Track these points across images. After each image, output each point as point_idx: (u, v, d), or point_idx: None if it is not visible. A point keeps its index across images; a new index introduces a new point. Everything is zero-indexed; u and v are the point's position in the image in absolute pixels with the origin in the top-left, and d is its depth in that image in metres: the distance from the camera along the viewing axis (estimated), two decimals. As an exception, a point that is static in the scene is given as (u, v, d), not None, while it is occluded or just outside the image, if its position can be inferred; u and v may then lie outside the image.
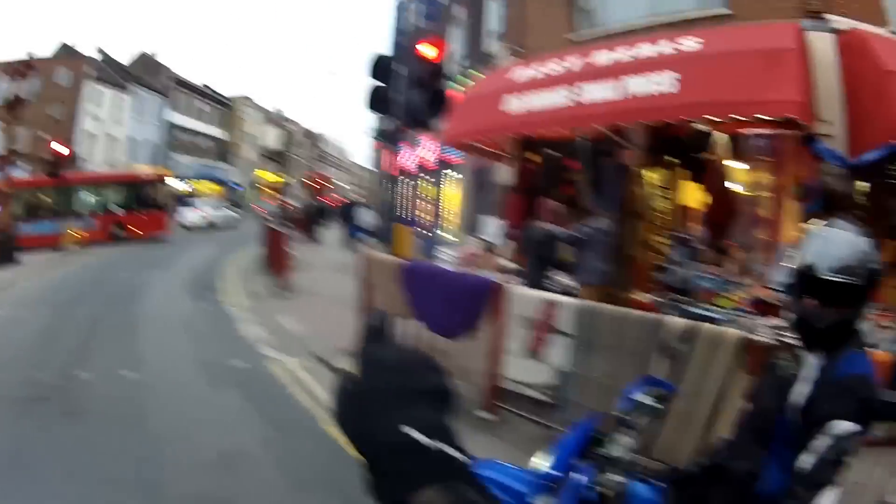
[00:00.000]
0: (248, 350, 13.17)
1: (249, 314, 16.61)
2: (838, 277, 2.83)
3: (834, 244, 2.94)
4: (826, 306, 2.91)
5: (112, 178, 46.23)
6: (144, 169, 50.97)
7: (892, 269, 11.37)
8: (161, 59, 79.97)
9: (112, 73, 67.00)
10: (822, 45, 9.92)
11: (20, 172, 41.87)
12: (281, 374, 11.44)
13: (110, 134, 65.79)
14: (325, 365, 11.55)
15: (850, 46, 9.93)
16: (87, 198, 41.36)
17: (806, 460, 2.75)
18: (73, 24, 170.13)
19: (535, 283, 10.62)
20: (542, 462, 3.48)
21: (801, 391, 2.96)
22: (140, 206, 41.47)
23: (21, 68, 33.07)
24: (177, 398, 10.48)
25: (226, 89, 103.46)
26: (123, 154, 67.03)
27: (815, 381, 2.93)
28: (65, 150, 38.17)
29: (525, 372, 8.08)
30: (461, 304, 9.07)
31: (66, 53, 65.57)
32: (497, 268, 12.66)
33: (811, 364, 3.00)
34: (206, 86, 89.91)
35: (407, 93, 12.90)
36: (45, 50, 64.95)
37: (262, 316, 16.14)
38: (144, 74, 73.48)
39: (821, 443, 2.73)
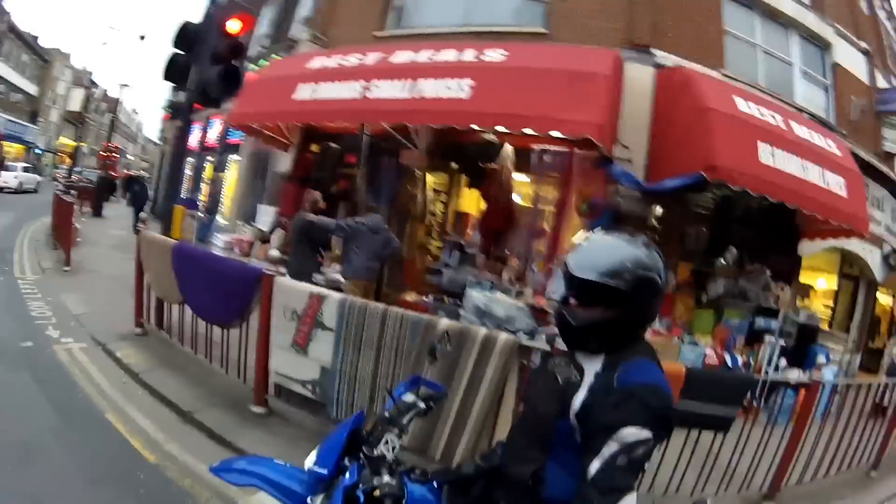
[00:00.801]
0: (34, 329, 11.84)
1: (35, 290, 15.22)
2: (592, 277, 2.82)
3: (595, 247, 2.98)
4: (583, 306, 2.92)
5: None
6: None
7: (685, 288, 12.14)
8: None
9: None
10: (640, 76, 10.51)
11: None
12: (65, 358, 10.30)
13: None
14: (104, 350, 10.61)
15: (671, 81, 10.48)
16: None
17: (595, 466, 2.66)
18: None
19: (298, 273, 10.41)
20: (311, 460, 3.40)
21: (585, 396, 2.86)
22: None
23: None
24: None
25: (50, 41, 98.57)
26: None
27: (591, 387, 2.86)
28: None
29: (292, 366, 7.77)
30: (230, 292, 8.67)
31: None
32: (268, 257, 12.54)
33: (591, 370, 2.92)
34: (37, 37, 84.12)
35: (203, 66, 12.17)
36: None
37: (47, 292, 14.78)
38: None
39: (609, 449, 2.66)
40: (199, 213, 22.00)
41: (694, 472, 7.05)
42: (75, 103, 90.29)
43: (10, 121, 68.01)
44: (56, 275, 16.63)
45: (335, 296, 7.38)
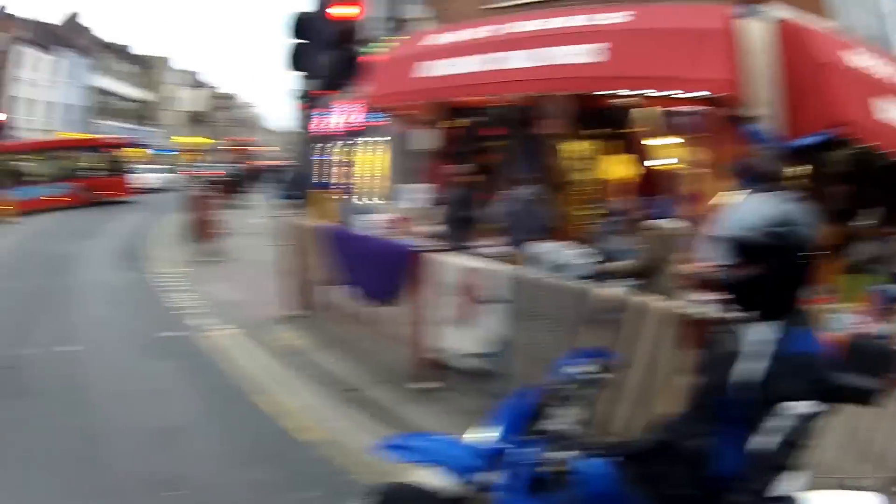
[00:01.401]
0: (182, 319, 13.02)
1: (181, 282, 16.48)
2: (745, 234, 2.90)
3: (746, 206, 3.10)
4: (737, 266, 2.97)
5: (77, 144, 47.08)
6: (73, 135, 52.73)
7: (832, 253, 11.39)
8: (83, 19, 79.82)
9: (36, 35, 65.50)
10: (756, 32, 10.08)
11: None
12: (209, 344, 11.31)
13: (33, 98, 64.63)
14: (253, 334, 11.49)
15: (785, 36, 10.10)
16: (58, 163, 42.17)
17: (762, 441, 2.73)
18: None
19: (456, 247, 10.41)
20: (480, 436, 3.56)
21: (746, 367, 2.95)
22: (103, 170, 43.28)
23: None
24: (115, 371, 10.28)
25: (146, 49, 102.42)
26: (45, 119, 65.83)
27: (751, 358, 2.94)
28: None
29: (454, 341, 8.05)
30: (386, 270, 9.07)
31: None
32: (421, 234, 12.56)
33: (752, 338, 3.00)
34: (127, 46, 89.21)
35: (324, 53, 12.97)
36: None
37: (194, 283, 16.13)
38: (69, 36, 72.41)
39: (777, 423, 2.70)
40: (344, 196, 22.69)
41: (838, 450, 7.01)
42: (191, 103, 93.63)
43: (125, 127, 73.43)
44: (201, 266, 17.94)
45: (493, 269, 7.64)
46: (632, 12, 10.84)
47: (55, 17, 77.05)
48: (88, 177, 42.28)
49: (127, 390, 9.36)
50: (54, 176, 41.35)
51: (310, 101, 27.89)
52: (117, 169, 45.10)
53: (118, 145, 47.20)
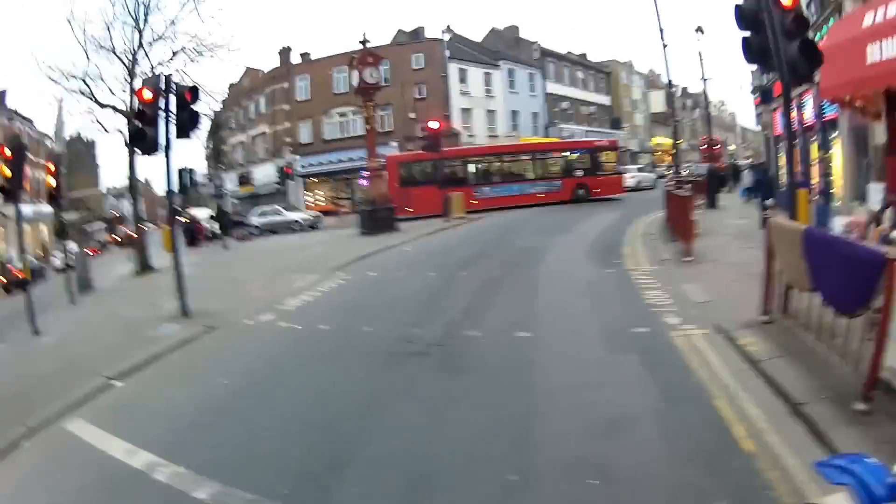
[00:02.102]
0: (649, 316, 13.41)
1: (652, 280, 17.10)
2: None
3: None
4: None
5: (574, 146, 56.64)
6: (532, 139, 61.73)
7: None
8: (522, 33, 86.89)
9: (470, 50, 73.83)
10: None
11: (391, 150, 53.91)
12: (681, 344, 11.45)
13: (487, 108, 72.08)
14: (726, 337, 11.42)
15: None
16: (554, 163, 52.08)
17: None
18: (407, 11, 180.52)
19: None
20: None
21: None
22: (599, 170, 50.94)
23: (363, 57, 37.86)
24: (570, 360, 11.12)
25: (600, 56, 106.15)
26: (504, 125, 73.17)
27: None
28: (435, 125, 43.05)
29: None
30: (854, 277, 8.43)
31: (413, 38, 73.83)
32: (882, 238, 12.17)
33: None
34: (578, 54, 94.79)
35: (778, 42, 12.45)
36: (380, 37, 73.73)
37: (665, 283, 16.46)
38: (506, 49, 79.36)
39: None
40: (814, 197, 22.61)
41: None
42: (657, 104, 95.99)
43: (591, 131, 79.88)
44: (675, 265, 18.30)
45: None
46: None
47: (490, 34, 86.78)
48: (586, 175, 50.40)
49: (581, 378, 10.08)
50: (552, 174, 50.93)
51: (767, 97, 28.02)
52: (612, 169, 52.01)
53: (612, 148, 53.55)
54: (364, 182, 45.68)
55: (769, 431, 7.67)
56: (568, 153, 53.16)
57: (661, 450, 7.59)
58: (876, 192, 15.44)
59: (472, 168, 50.35)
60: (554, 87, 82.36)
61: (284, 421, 9.09)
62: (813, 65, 12.47)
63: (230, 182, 76.89)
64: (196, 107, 17.31)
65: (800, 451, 7.03)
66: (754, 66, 34.60)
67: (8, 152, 18.82)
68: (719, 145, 67.70)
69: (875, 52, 12.32)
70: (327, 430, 8.58)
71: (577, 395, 9.36)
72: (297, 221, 51.65)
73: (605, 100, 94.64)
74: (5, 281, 45.74)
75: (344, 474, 7.31)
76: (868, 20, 12.84)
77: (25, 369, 14.34)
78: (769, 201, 24.04)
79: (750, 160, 65.94)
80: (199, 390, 11.19)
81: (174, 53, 34.22)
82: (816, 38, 16.62)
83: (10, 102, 66.02)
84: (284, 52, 73.00)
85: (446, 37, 69.21)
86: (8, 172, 18.76)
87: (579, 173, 50.71)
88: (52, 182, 25.54)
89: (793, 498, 6.09)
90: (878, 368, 7.58)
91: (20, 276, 36.53)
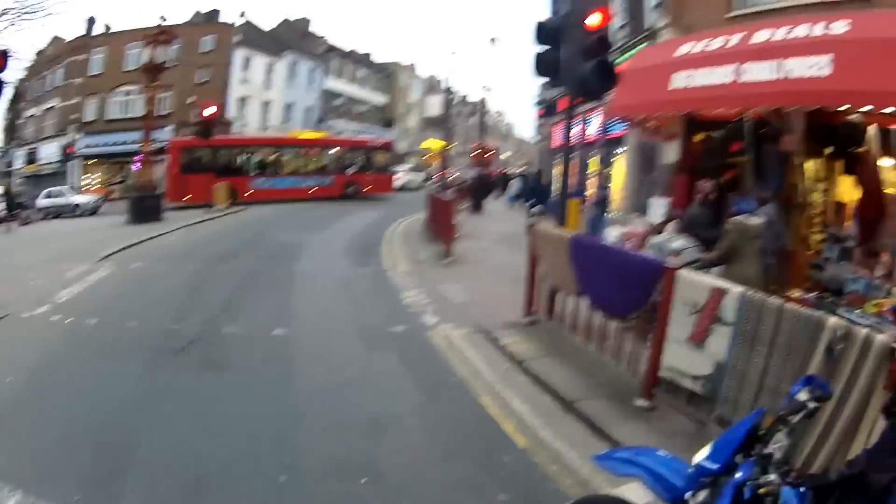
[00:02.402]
0: (406, 315, 13.77)
1: (410, 280, 17.44)
2: None
3: None
4: None
5: (349, 143, 57.48)
6: (303, 134, 60.09)
7: None
8: (312, 27, 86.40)
9: (259, 39, 72.41)
10: None
11: (166, 135, 53.26)
12: (439, 342, 11.85)
13: (263, 98, 71.14)
14: (487, 337, 11.84)
15: None
16: (328, 158, 52.76)
17: None
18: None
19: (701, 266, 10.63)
20: (702, 457, 3.80)
21: None
22: (371, 168, 53.40)
23: (157, 35, 36.73)
24: (328, 358, 11.22)
25: (385, 57, 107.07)
26: (278, 118, 72.43)
27: None
28: (210, 112, 42.28)
29: (684, 361, 8.02)
30: (630, 285, 9.12)
31: (207, 20, 70.94)
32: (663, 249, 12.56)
33: None
34: (363, 53, 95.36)
35: (573, 61, 13.09)
36: (181, 17, 70.84)
37: (424, 283, 16.86)
38: (293, 41, 78.44)
39: None
40: (588, 207, 23.36)
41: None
42: (433, 109, 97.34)
43: (362, 129, 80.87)
44: (433, 266, 18.63)
45: (736, 290, 7.50)
46: (849, 21, 10.86)
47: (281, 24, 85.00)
48: (358, 173, 52.21)
49: (341, 376, 10.25)
50: (325, 170, 51.78)
51: (551, 110, 28.88)
52: (384, 169, 55.09)
53: (387, 148, 56.94)
54: (136, 167, 43.98)
55: (542, 427, 8.11)
56: (342, 150, 54.49)
57: (430, 447, 7.81)
58: (658, 207, 16.52)
59: (249, 158, 50.00)
60: (333, 83, 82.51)
61: (69, 423, 8.72)
62: (605, 84, 13.28)
63: (20, 159, 73.07)
64: (4, 74, 16.19)
65: (578, 446, 7.50)
66: (543, 79, 35.82)
67: None
68: (491, 152, 69.56)
69: (681, 80, 12.95)
70: (106, 432, 8.37)
71: (337, 394, 9.56)
72: (78, 205, 49.34)
73: (381, 100, 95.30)
74: None
75: (127, 479, 7.20)
76: (682, 50, 13.52)
77: None
78: (536, 208, 24.78)
79: (523, 168, 67.95)
80: None
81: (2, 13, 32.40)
82: (620, 60, 17.56)
83: None
84: (89, 23, 69.31)
85: (240, 21, 67.91)
86: None
87: (351, 170, 52.43)
88: None
89: (579, 490, 6.36)
90: (658, 367, 8.32)
91: None
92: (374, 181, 53.08)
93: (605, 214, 22.99)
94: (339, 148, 54.86)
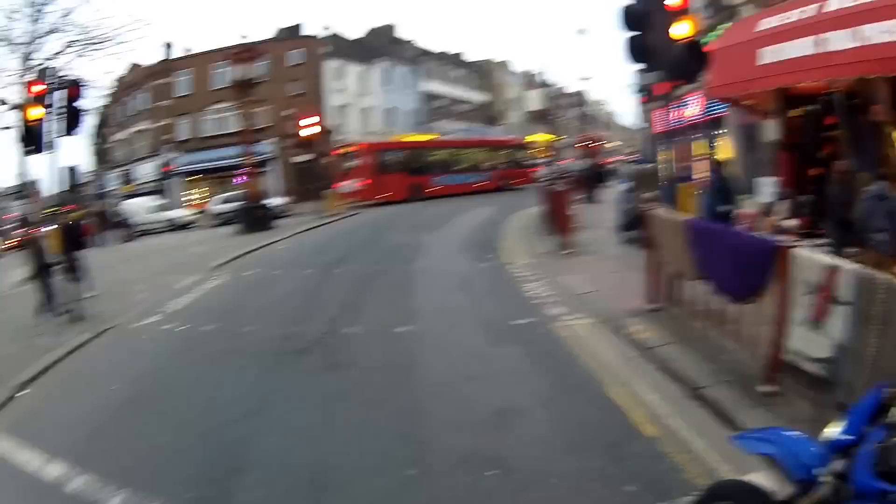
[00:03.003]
0: (529, 308, 13.52)
1: (530, 273, 17.27)
2: None
3: None
4: None
5: (498, 143, 65.86)
6: (412, 137, 63.99)
7: None
8: (400, 32, 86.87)
9: (348, 48, 73.25)
10: None
11: (266, 148, 57.78)
12: (564, 333, 11.61)
13: (361, 105, 72.34)
14: (612, 326, 11.64)
15: None
16: (484, 157, 59.49)
17: None
18: (288, 8, 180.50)
19: (837, 246, 10.85)
20: (832, 432, 3.79)
21: None
22: (515, 164, 60.81)
23: (242, 52, 38.43)
24: (452, 353, 11.23)
25: (476, 55, 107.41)
26: (380, 123, 73.34)
27: None
28: (311, 122, 44.12)
29: (804, 343, 7.74)
30: (747, 266, 8.77)
31: (291, 35, 72.44)
32: (775, 229, 12.70)
33: None
34: (454, 53, 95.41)
35: (665, 45, 12.94)
36: (260, 35, 72.40)
37: (545, 275, 16.64)
38: (383, 48, 79.17)
39: None
40: (702, 189, 23.15)
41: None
42: (534, 103, 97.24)
43: (467, 128, 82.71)
44: (553, 259, 18.48)
45: (854, 268, 7.21)
46: None
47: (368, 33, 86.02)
48: (507, 168, 59.32)
49: (465, 371, 10.21)
50: (484, 167, 58.15)
51: (650, 95, 28.78)
52: (524, 163, 62.77)
53: (522, 145, 65.90)
54: (239, 180, 44.95)
55: (671, 415, 7.92)
56: (494, 149, 61.66)
57: (557, 438, 7.74)
58: (766, 186, 16.12)
59: (430, 159, 55.07)
60: (431, 85, 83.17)
61: (179, 426, 9.13)
62: (698, 66, 13.12)
63: (114, 181, 76.14)
64: (81, 102, 17.01)
65: (706, 433, 7.33)
66: (638, 66, 35.67)
67: None
68: (597, 142, 70.36)
69: (767, 55, 12.87)
70: (221, 434, 8.64)
71: (462, 388, 9.51)
72: (171, 220, 50.92)
73: (481, 98, 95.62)
74: None
75: (243, 478, 7.41)
76: (763, 25, 13.40)
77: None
78: (649, 194, 24.62)
79: (632, 156, 67.85)
80: (95, 397, 11.01)
81: (66, 45, 33.39)
82: (706, 41, 17.11)
83: None
84: (167, 47, 71.76)
85: (324, 34, 68.92)
86: None
87: (502, 166, 59.02)
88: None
89: (706, 479, 6.13)
90: (780, 351, 7.97)
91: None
92: (519, 175, 59.13)
93: (713, 197, 22.74)
94: (491, 147, 62.08)
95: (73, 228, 18.43)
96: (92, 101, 40.41)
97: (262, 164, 45.46)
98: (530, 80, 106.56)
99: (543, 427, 8.05)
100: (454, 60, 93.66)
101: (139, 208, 50.58)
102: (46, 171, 18.00)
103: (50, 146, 16.60)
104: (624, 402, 8.38)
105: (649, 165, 23.13)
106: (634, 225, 16.62)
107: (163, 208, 53.40)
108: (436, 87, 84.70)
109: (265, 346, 12.48)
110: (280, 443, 8.16)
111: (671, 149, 26.33)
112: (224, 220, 44.37)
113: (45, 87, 16.54)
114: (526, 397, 8.88)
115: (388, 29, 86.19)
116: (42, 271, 16.92)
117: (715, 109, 24.53)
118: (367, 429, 8.31)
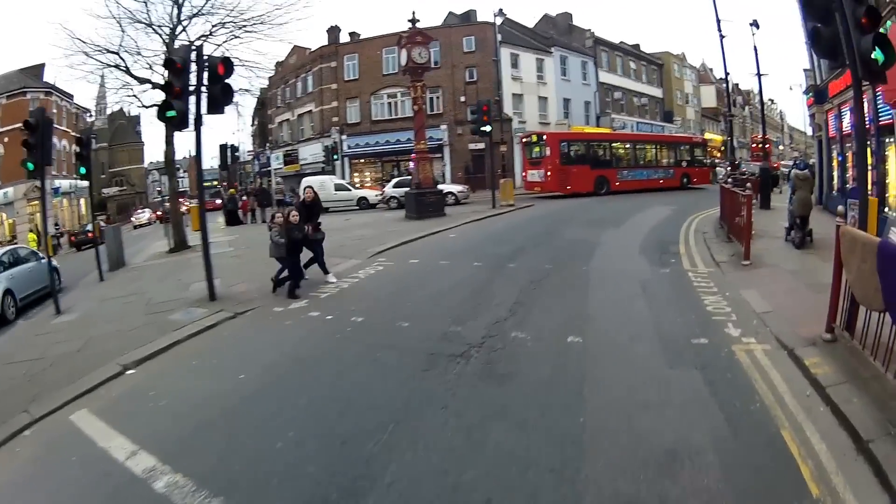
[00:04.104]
0: (709, 325, 12.41)
1: (710, 283, 16.03)
2: None
3: None
4: None
5: (680, 140, 64.14)
6: (589, 129, 66.70)
7: None
8: (577, 21, 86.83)
9: (522, 36, 73.57)
10: None
11: (441, 134, 60.10)
12: (743, 359, 10.51)
13: (538, 94, 71.60)
14: (791, 355, 10.46)
15: None
16: (667, 153, 57.68)
17: None
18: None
19: None
20: None
21: None
22: (695, 163, 59.09)
23: (413, 36, 37.87)
24: (625, 373, 10.06)
25: (653, 48, 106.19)
26: (556, 113, 72.71)
27: None
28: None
29: None
30: None
31: (464, 21, 73.33)
32: None
33: None
34: (631, 45, 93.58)
35: (850, 36, 11.44)
36: (434, 20, 72.73)
37: (724, 287, 15.44)
38: (558, 36, 79.27)
39: None
40: (886, 209, 21.37)
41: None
42: (708, 99, 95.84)
43: (643, 123, 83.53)
44: (732, 269, 17.35)
45: None
46: None
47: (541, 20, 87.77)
48: (689, 166, 57.96)
49: (636, 396, 9.14)
50: (667, 163, 56.69)
51: (821, 97, 27.08)
52: (705, 162, 61.14)
53: (703, 144, 63.55)
54: (412, 165, 44.63)
55: (835, 472, 6.96)
56: (677, 146, 59.47)
57: (726, 489, 6.79)
58: None
59: (616, 152, 53.88)
60: (606, 77, 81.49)
61: (302, 430, 8.46)
62: (889, 61, 11.45)
63: (276, 160, 79.17)
64: (231, 81, 16.70)
65: (864, 497, 6.43)
66: (807, 66, 34.18)
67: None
68: (768, 144, 68.26)
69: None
70: (348, 446, 7.87)
71: (632, 418, 8.44)
72: (365, 199, 53.17)
73: (656, 92, 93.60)
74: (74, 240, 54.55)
75: (362, 501, 6.66)
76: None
77: (41, 351, 14.19)
78: (851, 203, 23.02)
79: (797, 160, 66.25)
80: (215, 385, 10.59)
81: (213, 27, 33.71)
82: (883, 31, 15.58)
83: (49, 76, 65.03)
84: (333, 31, 73.09)
85: (498, 20, 68.11)
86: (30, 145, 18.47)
87: (684, 164, 57.91)
88: (80, 155, 25.36)
89: None
90: None
91: (89, 236, 47.50)
92: (699, 174, 58.63)
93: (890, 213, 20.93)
94: (674, 144, 60.10)
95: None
96: (248, 81, 42.47)
97: (436, 149, 45.21)
98: (704, 76, 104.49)
99: (715, 474, 7.05)
100: (630, 52, 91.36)
101: (321, 187, 49.23)
102: (203, 149, 17.72)
103: (188, 122, 16.42)
104: (795, 451, 7.43)
105: (803, 170, 21.47)
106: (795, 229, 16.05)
107: (341, 188, 54.26)
108: (612, 78, 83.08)
109: (419, 346, 11.72)
110: (414, 466, 7.39)
111: (844, 155, 24.94)
112: (399, 203, 45.82)
113: (181, 64, 16.34)
114: (701, 435, 7.92)
115: (566, 17, 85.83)
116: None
117: (884, 116, 22.26)
118: (518, 458, 7.39)
